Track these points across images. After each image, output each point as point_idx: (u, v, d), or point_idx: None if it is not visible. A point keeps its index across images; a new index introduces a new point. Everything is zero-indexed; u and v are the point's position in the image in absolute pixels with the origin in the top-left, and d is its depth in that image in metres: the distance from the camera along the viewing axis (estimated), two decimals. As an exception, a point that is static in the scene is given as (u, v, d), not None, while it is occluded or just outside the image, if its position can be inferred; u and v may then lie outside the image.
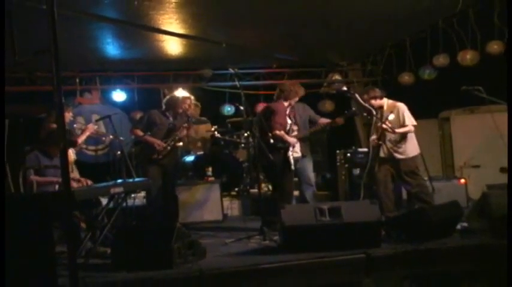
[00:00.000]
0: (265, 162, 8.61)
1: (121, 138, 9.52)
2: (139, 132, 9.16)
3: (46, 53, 4.57)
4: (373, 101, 8.91)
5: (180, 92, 10.07)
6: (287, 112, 8.93)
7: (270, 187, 8.94)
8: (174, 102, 9.40)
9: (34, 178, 7.29)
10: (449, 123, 12.07)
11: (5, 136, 5.85)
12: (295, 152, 8.85)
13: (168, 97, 9.67)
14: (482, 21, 9.97)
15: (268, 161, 8.51)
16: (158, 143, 9.00)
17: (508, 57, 8.69)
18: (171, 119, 9.33)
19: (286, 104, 8.93)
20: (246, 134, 9.64)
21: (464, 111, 11.75)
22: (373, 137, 8.97)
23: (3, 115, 4.91)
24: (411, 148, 8.79)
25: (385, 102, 8.96)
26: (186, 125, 9.37)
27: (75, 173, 8.90)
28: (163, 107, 9.48)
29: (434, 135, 12.39)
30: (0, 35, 5.10)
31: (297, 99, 9.01)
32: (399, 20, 9.98)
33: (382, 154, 8.82)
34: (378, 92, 9.05)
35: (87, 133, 8.97)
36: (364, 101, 8.98)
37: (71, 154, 9.02)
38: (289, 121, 8.93)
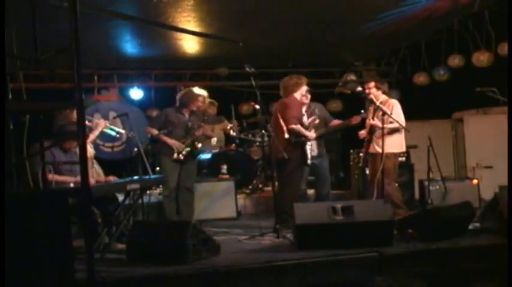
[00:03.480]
0: (280, 159, 8.64)
1: (134, 135, 9.47)
2: (154, 131, 9.12)
3: (67, 51, 4.66)
4: (374, 91, 9.02)
5: (196, 90, 10.10)
6: (303, 107, 8.96)
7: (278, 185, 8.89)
8: (189, 99, 9.33)
9: (52, 176, 7.35)
10: (463, 124, 12.07)
11: (25, 132, 5.93)
12: (311, 150, 8.89)
13: (182, 93, 9.58)
14: (497, 22, 9.98)
15: (282, 158, 8.55)
16: (177, 144, 9.02)
17: (508, 58, 8.71)
18: (186, 116, 9.31)
19: (298, 97, 8.96)
20: (261, 132, 9.66)
21: (477, 112, 11.75)
22: (363, 131, 9.09)
23: (3, 115, 4.99)
24: (393, 144, 8.87)
25: (381, 97, 9.04)
26: (201, 123, 9.36)
27: (96, 168, 8.96)
28: (177, 103, 9.44)
29: (447, 135, 12.40)
30: (0, 35, 5.19)
31: (304, 89, 9.01)
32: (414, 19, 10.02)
33: (372, 150, 8.95)
34: (385, 86, 9.22)
35: (99, 129, 8.96)
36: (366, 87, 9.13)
37: (90, 149, 9.06)
38: (305, 117, 8.97)
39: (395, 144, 8.86)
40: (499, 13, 9.66)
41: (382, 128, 8.55)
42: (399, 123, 8.72)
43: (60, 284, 4.92)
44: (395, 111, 8.83)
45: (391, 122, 8.71)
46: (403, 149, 9.14)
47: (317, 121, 9.05)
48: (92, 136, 8.77)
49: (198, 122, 9.30)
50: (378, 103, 8.84)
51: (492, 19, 10.05)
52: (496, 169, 10.62)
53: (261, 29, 10.21)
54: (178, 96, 9.49)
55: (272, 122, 8.90)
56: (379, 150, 8.72)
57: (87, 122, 9.11)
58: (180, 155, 8.99)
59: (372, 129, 8.93)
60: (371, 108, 9.07)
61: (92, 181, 7.58)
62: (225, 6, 8.93)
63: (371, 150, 9.00)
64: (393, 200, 8.35)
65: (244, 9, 9.07)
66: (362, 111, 9.32)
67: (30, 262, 4.77)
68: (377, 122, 8.79)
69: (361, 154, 9.46)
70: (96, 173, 8.57)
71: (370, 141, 8.99)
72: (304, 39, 11.10)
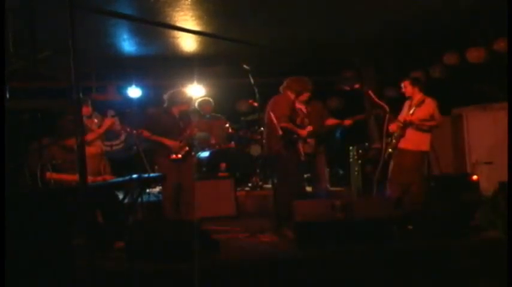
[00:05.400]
0: (274, 156, 8.68)
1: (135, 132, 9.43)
2: (148, 133, 9.02)
3: (65, 50, 4.65)
4: (409, 89, 9.08)
5: (184, 90, 9.94)
6: (295, 105, 8.97)
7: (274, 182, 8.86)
8: (178, 99, 9.17)
9: (51, 175, 7.33)
10: (462, 120, 12.08)
11: (21, 131, 5.92)
12: (308, 147, 8.88)
13: (170, 93, 9.31)
14: (494, 19, 9.97)
15: (276, 155, 8.59)
16: (175, 145, 8.94)
17: (509, 57, 8.72)
18: (176, 116, 9.19)
19: (292, 96, 8.97)
20: (260, 130, 9.65)
21: (477, 108, 11.76)
22: (393, 125, 9.11)
23: (3, 115, 4.98)
24: (426, 142, 8.94)
25: (418, 95, 9.08)
26: (192, 122, 9.25)
27: (105, 164, 8.99)
28: (166, 103, 9.23)
29: (446, 132, 12.39)
30: (0, 35, 5.18)
31: (305, 92, 9.04)
32: (411, 16, 10.00)
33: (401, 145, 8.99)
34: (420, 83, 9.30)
35: (105, 128, 8.99)
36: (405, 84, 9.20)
37: (100, 144, 9.07)
38: (300, 114, 8.97)
39: (426, 142, 8.94)
40: (496, 9, 9.65)
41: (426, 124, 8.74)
42: (436, 123, 8.88)
43: (60, 283, 4.92)
44: (437, 111, 8.92)
45: (426, 120, 8.84)
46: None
47: (310, 128, 9.05)
48: (95, 134, 8.77)
49: (189, 121, 9.22)
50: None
51: (488, 15, 10.02)
52: (496, 165, 10.62)
53: (258, 27, 10.19)
54: (166, 96, 9.31)
55: (265, 119, 8.89)
56: (411, 147, 8.82)
57: (95, 119, 9.14)
58: (179, 155, 8.93)
59: (407, 125, 8.96)
60: (407, 103, 9.13)
61: (98, 177, 7.65)
62: (222, 5, 8.92)
63: (400, 145, 9.02)
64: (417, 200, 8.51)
65: (241, 7, 9.06)
66: (358, 114, 9.32)
67: (30, 261, 4.77)
68: (416, 120, 8.86)
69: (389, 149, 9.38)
70: (103, 169, 8.63)
71: (402, 136, 9.01)
72: (303, 37, 11.09)
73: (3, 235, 4.51)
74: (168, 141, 8.88)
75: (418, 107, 8.94)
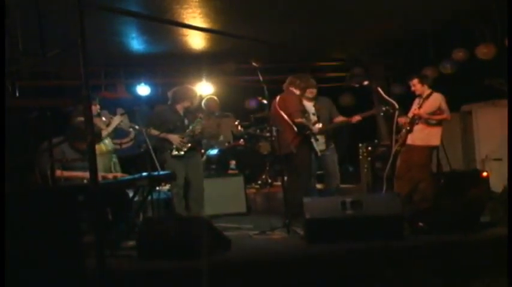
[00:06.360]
0: (287, 153, 8.67)
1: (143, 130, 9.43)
2: (156, 132, 8.99)
3: (74, 48, 4.66)
4: (419, 86, 9.04)
5: (189, 87, 9.90)
6: (302, 101, 8.99)
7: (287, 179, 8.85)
8: (182, 95, 9.18)
9: (62, 173, 7.31)
10: (472, 117, 12.02)
11: (34, 129, 5.93)
12: (319, 144, 8.88)
13: (174, 90, 9.34)
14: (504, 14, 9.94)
15: (289, 153, 8.59)
16: (178, 140, 8.91)
17: (508, 56, 8.69)
18: (181, 113, 9.19)
19: (297, 92, 8.99)
20: (270, 127, 9.65)
21: (486, 105, 11.69)
22: (403, 118, 9.08)
23: (3, 114, 4.99)
24: (434, 137, 8.92)
25: (426, 91, 9.06)
26: (199, 119, 9.22)
27: (115, 162, 9.05)
28: (170, 101, 9.25)
29: (456, 128, 12.34)
30: (0, 35, 5.19)
31: (310, 88, 9.07)
32: (420, 12, 9.96)
33: (409, 141, 8.97)
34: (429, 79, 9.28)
35: (115, 124, 9.06)
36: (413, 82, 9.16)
37: (107, 143, 9.12)
38: (308, 111, 8.98)
39: (435, 137, 8.92)
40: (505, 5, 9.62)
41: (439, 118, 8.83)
42: (445, 116, 8.92)
43: (70, 281, 4.92)
44: (444, 104, 8.89)
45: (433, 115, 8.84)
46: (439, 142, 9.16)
47: (320, 125, 9.05)
48: (104, 132, 8.84)
49: (194, 118, 9.18)
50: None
51: (499, 11, 9.98)
52: (506, 161, 10.55)
53: (266, 24, 10.17)
54: (170, 93, 9.29)
55: (274, 118, 8.87)
56: (418, 142, 8.81)
57: (103, 118, 9.17)
58: (181, 152, 8.91)
59: (414, 120, 8.95)
60: (417, 100, 9.17)
61: (109, 175, 7.67)
62: (230, 2, 8.92)
63: (408, 141, 9.00)
64: (426, 196, 8.48)
65: (249, 4, 9.05)
66: (366, 111, 9.30)
67: (39, 259, 4.78)
68: (423, 113, 8.85)
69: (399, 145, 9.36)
70: (113, 167, 8.66)
71: (410, 131, 9.00)
72: (312, 34, 11.06)
73: (7, 232, 4.52)
74: (173, 137, 8.88)
75: (425, 101, 8.94)
